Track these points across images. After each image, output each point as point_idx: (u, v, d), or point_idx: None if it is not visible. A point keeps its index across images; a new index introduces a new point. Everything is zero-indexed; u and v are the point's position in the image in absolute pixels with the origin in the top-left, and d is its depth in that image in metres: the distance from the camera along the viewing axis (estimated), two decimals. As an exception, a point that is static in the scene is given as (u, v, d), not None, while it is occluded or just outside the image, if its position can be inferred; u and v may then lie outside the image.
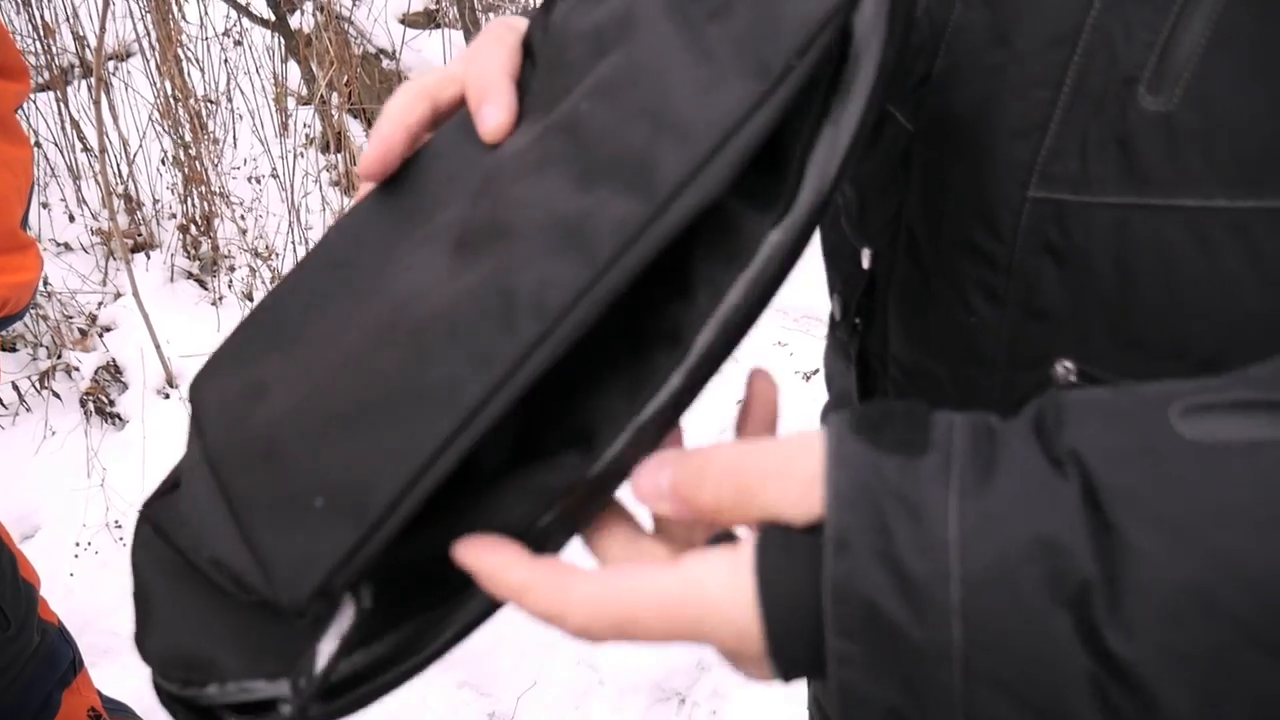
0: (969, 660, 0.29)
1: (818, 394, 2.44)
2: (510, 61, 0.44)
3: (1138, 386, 0.32)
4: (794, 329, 2.67)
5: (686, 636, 0.32)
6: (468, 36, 2.84)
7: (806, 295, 2.76)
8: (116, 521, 2.05)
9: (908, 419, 0.32)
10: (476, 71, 0.43)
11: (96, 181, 2.80)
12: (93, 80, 2.82)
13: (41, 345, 2.42)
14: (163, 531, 0.39)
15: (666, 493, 0.34)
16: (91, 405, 2.33)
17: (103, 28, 2.03)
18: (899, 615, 0.29)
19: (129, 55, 3.14)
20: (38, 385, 2.35)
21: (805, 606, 0.31)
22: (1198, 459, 0.29)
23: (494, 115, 0.41)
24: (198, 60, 2.96)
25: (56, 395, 2.36)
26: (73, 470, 2.18)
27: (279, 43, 3.03)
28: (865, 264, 0.54)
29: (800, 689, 1.93)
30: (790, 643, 0.31)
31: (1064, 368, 0.43)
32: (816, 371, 2.52)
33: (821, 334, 2.67)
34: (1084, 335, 0.42)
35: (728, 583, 0.32)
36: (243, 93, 2.98)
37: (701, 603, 0.32)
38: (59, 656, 1.18)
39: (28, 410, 2.34)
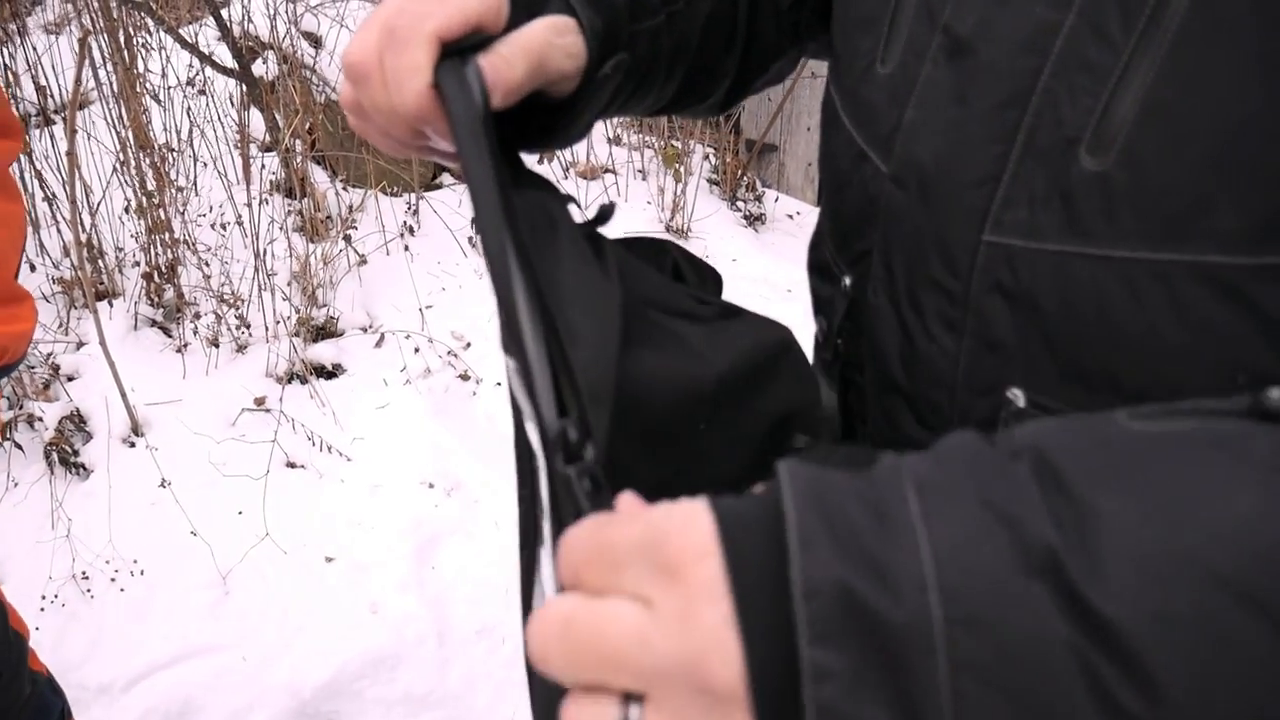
0: (952, 644, 0.27)
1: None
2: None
3: (1084, 414, 0.35)
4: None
5: (640, 531, 0.32)
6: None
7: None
8: (83, 573, 2.03)
9: (852, 454, 0.36)
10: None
11: (59, 230, 2.80)
12: (54, 129, 2.82)
13: (3, 396, 2.40)
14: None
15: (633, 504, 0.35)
16: (55, 455, 2.30)
17: (78, 80, 2.04)
18: (878, 600, 0.28)
19: (89, 103, 3.15)
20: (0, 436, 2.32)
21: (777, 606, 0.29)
22: (1146, 441, 0.31)
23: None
24: (161, 108, 2.97)
25: (19, 446, 2.33)
26: (37, 522, 2.15)
27: (242, 90, 3.05)
28: (846, 291, 0.59)
29: None
30: (763, 641, 0.29)
31: (1014, 394, 0.48)
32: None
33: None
34: (1032, 366, 0.47)
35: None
36: (205, 140, 2.99)
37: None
38: (49, 707, 1.18)
39: (-11, 462, 2.31)
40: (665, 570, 0.30)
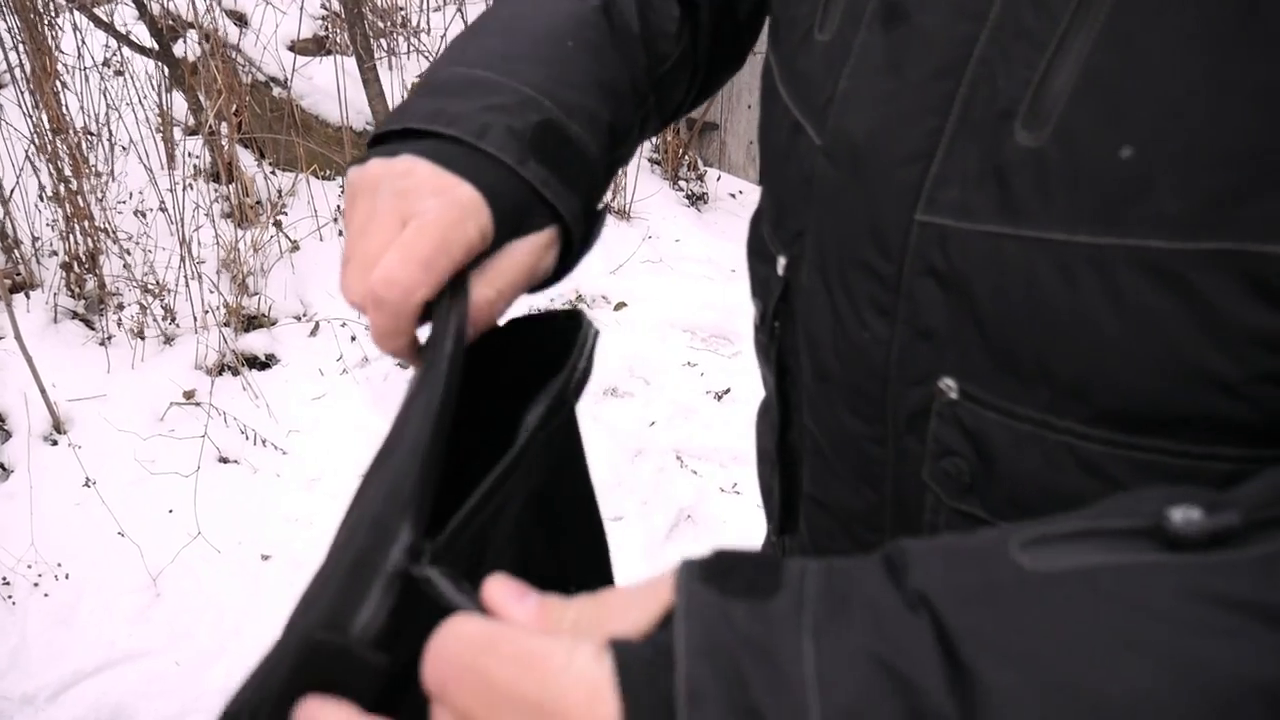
0: None
1: (729, 414, 2.46)
2: (428, 285, 0.45)
3: (979, 530, 0.33)
4: (703, 349, 2.68)
5: (534, 689, 0.30)
6: (360, 62, 2.79)
7: (715, 316, 2.79)
8: (4, 579, 1.94)
9: (758, 565, 0.32)
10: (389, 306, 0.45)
11: (-31, 220, 2.67)
12: (-38, 115, 2.69)
13: (-87, 395, 2.29)
14: None
15: (532, 608, 0.34)
16: (-29, 456, 2.20)
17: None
18: None
19: (0, 86, 3.01)
20: (-89, 438, 2.21)
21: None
22: (1039, 589, 0.30)
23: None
24: (76, 91, 2.84)
25: (-68, 447, 2.22)
26: (-47, 526, 2.06)
27: (163, 72, 2.93)
28: (780, 271, 0.56)
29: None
30: None
31: (946, 385, 0.45)
32: (728, 391, 2.54)
33: (730, 354, 2.69)
34: (964, 355, 0.44)
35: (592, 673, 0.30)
36: (125, 125, 2.87)
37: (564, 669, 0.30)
38: None
39: (-100, 465, 2.20)
40: None
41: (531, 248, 0.50)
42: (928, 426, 0.46)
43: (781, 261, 0.55)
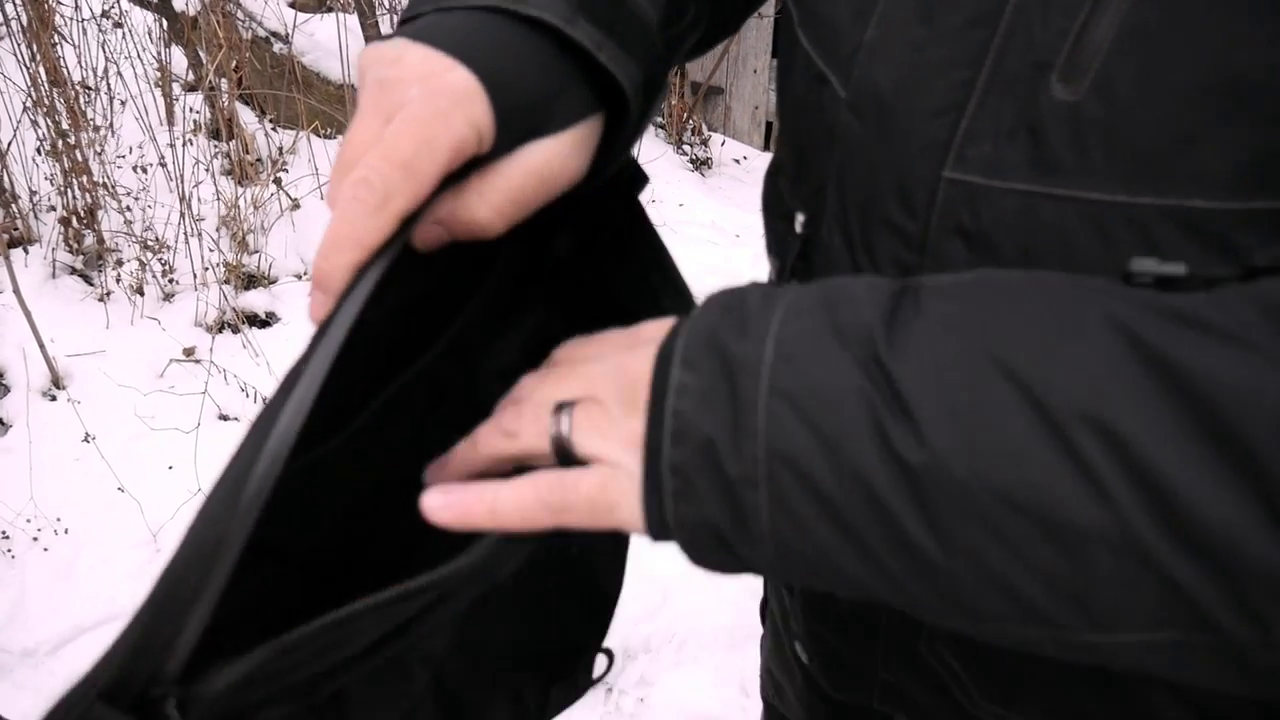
0: (774, 373, 0.35)
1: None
2: (416, 190, 0.37)
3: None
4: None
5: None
6: (361, 19, 2.75)
7: (719, 281, 2.77)
8: (3, 532, 1.94)
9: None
10: (346, 218, 0.37)
11: (-34, 173, 2.64)
12: (-42, 65, 2.65)
13: (-89, 348, 2.27)
14: None
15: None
16: (-30, 410, 2.19)
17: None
18: (730, 339, 0.36)
19: (-3, 39, 2.96)
20: (-92, 391, 2.20)
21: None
22: (1003, 277, 0.36)
23: (317, 312, 0.37)
24: (73, 44, 2.80)
25: (-70, 401, 2.21)
26: (-49, 480, 2.05)
27: (162, 25, 2.89)
28: (799, 228, 0.54)
29: (728, 673, 1.93)
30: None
31: None
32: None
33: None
34: None
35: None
36: (123, 78, 2.83)
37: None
38: None
39: (-102, 418, 2.19)
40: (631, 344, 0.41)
41: (553, 152, 0.41)
42: None
43: (800, 218, 0.53)
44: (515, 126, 0.40)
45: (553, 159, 0.41)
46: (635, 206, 0.50)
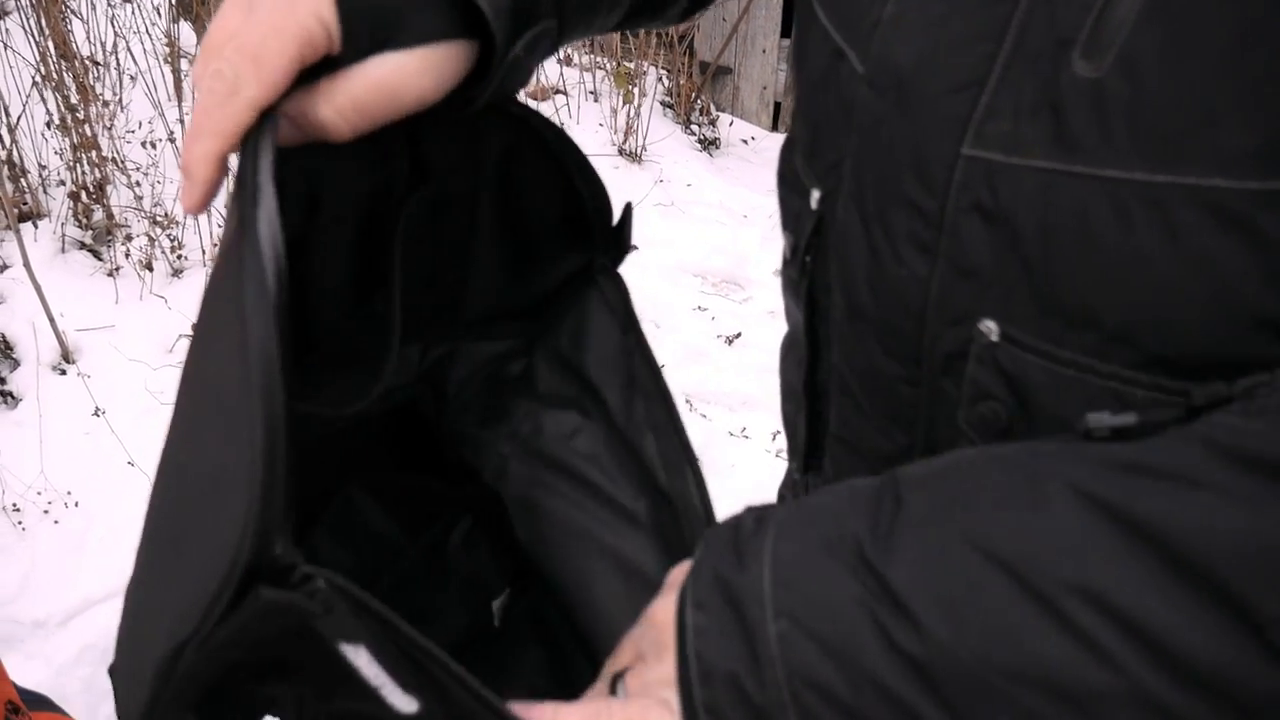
0: (776, 599, 0.38)
1: (739, 358, 2.45)
2: (269, 88, 0.39)
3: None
4: (713, 294, 2.67)
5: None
6: (372, -6, 2.74)
7: (726, 261, 2.78)
8: (14, 505, 1.96)
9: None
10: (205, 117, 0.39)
11: (-23, 147, 2.65)
12: (-32, 39, 2.66)
13: (-78, 321, 2.29)
14: None
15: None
16: (-20, 384, 2.21)
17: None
18: (732, 574, 0.40)
19: (5, 13, 2.96)
20: (-80, 364, 2.22)
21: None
22: (971, 459, 0.40)
23: (187, 200, 0.42)
24: (82, 18, 2.80)
25: (-59, 374, 2.24)
26: (-37, 453, 2.07)
27: (170, 0, 2.89)
28: (814, 204, 0.54)
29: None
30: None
31: (987, 327, 0.43)
32: (739, 335, 2.54)
33: (741, 299, 2.69)
34: (1007, 297, 0.42)
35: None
36: (132, 53, 2.84)
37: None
38: None
39: (-90, 391, 2.21)
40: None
41: (399, 65, 0.41)
42: (964, 369, 0.45)
43: (815, 194, 0.53)
44: (360, 29, 0.41)
45: (398, 71, 0.41)
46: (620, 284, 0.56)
